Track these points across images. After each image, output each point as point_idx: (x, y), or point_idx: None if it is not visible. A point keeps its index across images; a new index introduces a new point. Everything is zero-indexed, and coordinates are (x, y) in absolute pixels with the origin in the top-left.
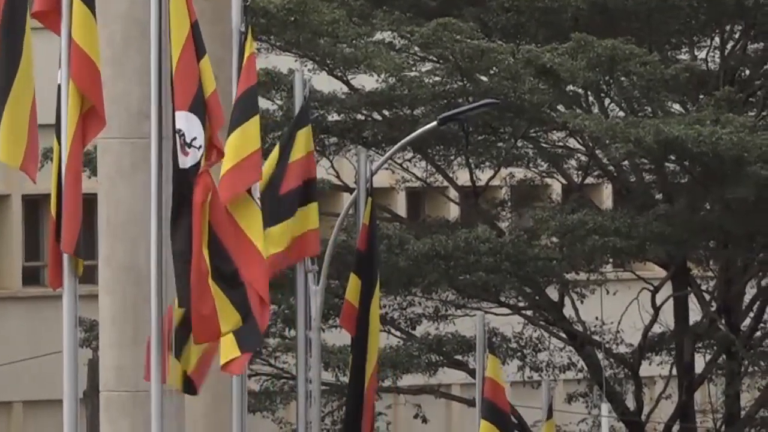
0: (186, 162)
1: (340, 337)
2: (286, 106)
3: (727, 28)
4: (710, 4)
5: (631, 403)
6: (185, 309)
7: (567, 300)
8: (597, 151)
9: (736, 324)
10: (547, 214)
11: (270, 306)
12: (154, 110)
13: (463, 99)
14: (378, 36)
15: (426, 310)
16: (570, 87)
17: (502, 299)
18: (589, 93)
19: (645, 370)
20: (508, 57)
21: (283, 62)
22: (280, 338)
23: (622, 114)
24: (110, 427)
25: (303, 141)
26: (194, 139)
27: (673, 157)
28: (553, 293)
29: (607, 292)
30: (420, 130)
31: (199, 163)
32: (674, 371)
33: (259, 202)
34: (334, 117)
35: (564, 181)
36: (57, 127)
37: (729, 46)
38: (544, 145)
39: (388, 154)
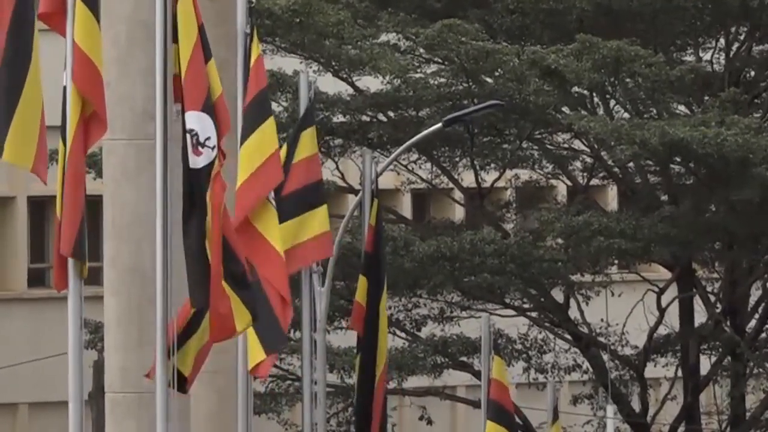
0: (198, 162)
1: (345, 339)
2: (291, 108)
3: (732, 29)
4: (715, 5)
5: (636, 405)
6: (196, 309)
7: (572, 301)
8: (602, 153)
9: (741, 325)
10: (552, 216)
11: (291, 306)
12: (159, 111)
13: (469, 100)
14: (383, 37)
15: (431, 312)
16: (575, 88)
17: (508, 301)
18: (594, 94)
19: (650, 371)
20: (513, 58)
21: (288, 64)
22: None
23: (627, 115)
24: (116, 428)
25: (307, 142)
26: (208, 138)
27: (678, 159)
28: (558, 295)
29: (612, 294)
30: (425, 132)
31: (212, 163)
32: (679, 373)
33: (273, 203)
34: (339, 118)
35: (569, 183)
36: (62, 129)
37: (734, 47)
38: (549, 146)
39: (393, 156)
